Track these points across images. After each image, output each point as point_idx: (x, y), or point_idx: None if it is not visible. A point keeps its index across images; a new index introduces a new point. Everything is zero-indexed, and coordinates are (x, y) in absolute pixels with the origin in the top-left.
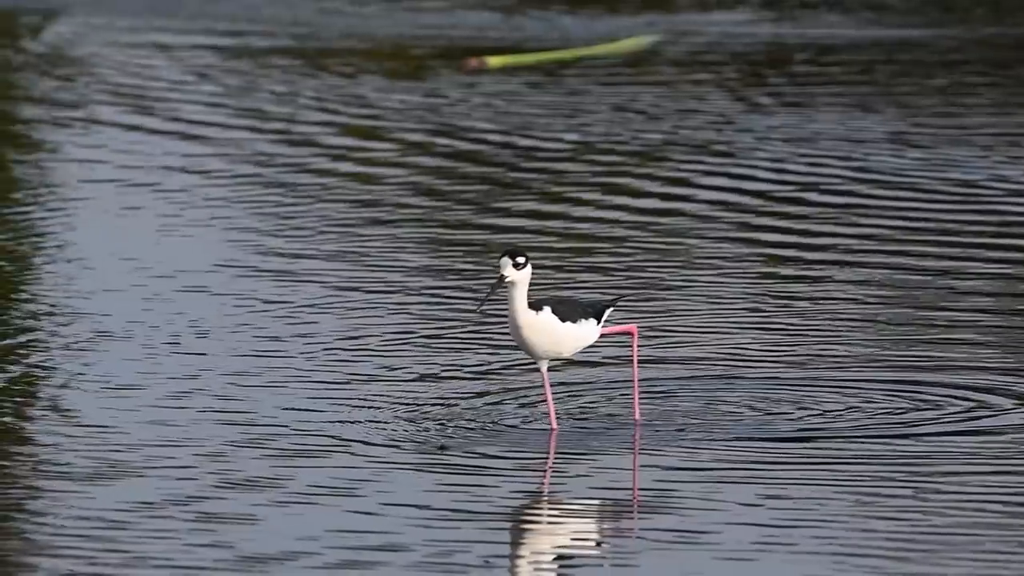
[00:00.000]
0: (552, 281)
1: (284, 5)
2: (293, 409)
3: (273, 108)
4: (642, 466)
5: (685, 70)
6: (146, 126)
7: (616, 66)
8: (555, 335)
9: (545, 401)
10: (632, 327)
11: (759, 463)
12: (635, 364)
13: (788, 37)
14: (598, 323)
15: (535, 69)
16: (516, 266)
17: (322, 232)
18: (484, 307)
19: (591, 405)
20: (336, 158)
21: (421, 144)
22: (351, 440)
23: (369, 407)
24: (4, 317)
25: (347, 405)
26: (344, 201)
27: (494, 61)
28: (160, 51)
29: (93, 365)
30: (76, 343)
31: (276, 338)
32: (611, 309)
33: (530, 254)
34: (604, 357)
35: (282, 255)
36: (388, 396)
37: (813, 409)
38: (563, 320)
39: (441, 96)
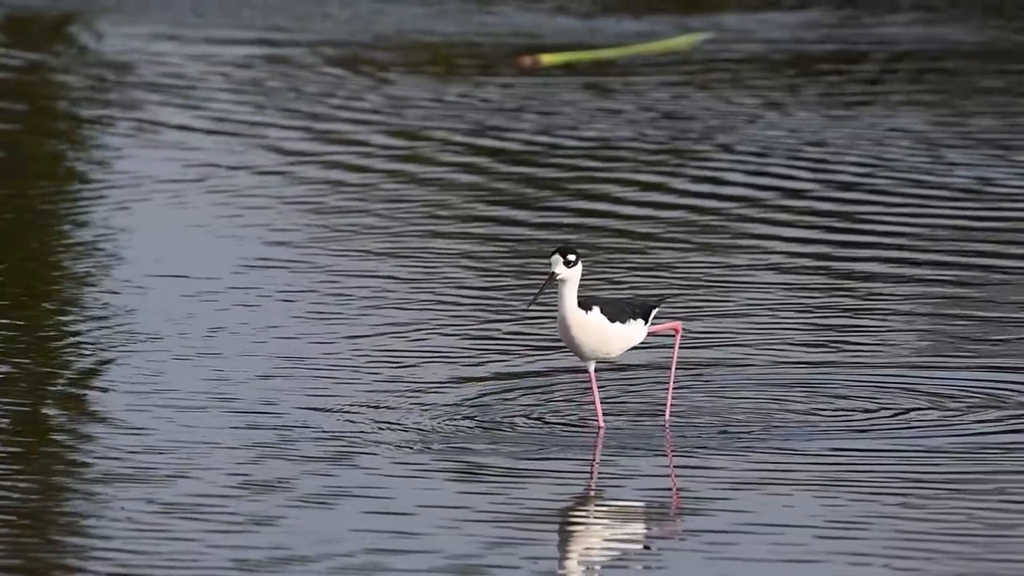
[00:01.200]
0: (597, 280)
1: (323, 6)
2: (330, 411)
3: (312, 108)
4: (683, 467)
5: (733, 70)
6: (190, 126)
7: (661, 65)
8: (604, 335)
9: (592, 401)
10: (677, 324)
11: (805, 466)
12: (674, 363)
13: (841, 38)
14: (645, 323)
15: (582, 71)
16: (567, 264)
17: (363, 232)
18: (533, 304)
19: (637, 404)
20: (379, 157)
21: (464, 144)
22: (384, 441)
23: (406, 408)
24: (46, 315)
25: (383, 406)
26: (387, 201)
27: (547, 59)
28: (200, 51)
29: (132, 360)
30: (113, 344)
31: (314, 337)
32: (657, 309)
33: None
34: (650, 358)
35: (323, 255)
36: (425, 396)
37: (863, 410)
38: (612, 320)
39: (485, 96)
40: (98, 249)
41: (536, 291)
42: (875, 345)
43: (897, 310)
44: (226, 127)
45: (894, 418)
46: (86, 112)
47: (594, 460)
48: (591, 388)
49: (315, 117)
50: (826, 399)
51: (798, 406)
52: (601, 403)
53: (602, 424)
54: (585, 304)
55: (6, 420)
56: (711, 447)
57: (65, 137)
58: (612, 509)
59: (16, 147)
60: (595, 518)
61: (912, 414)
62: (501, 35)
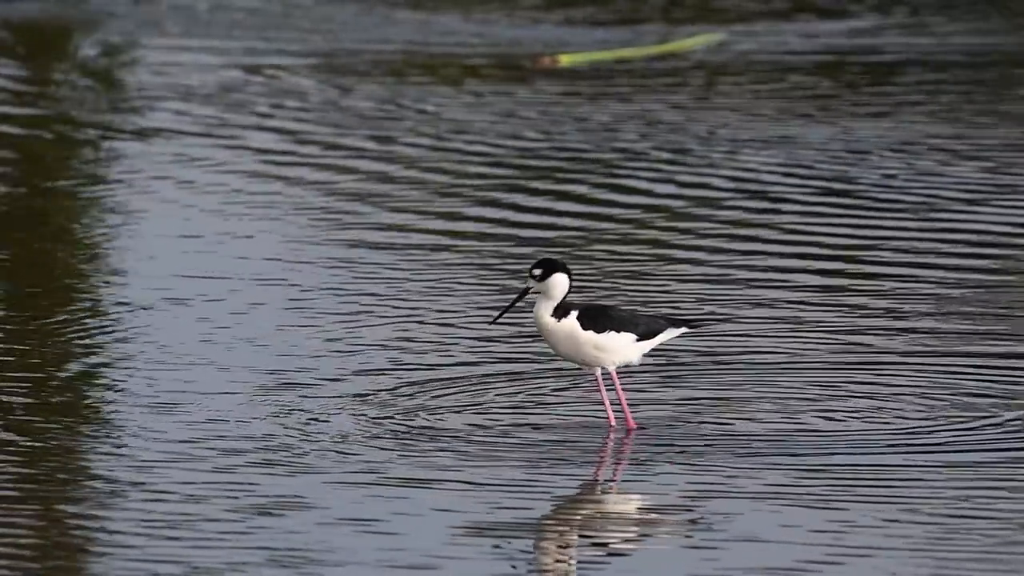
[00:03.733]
0: (624, 289)
1: (354, 16)
2: (364, 416)
3: (340, 116)
4: (697, 475)
5: (750, 76)
6: (222, 133)
7: (668, 73)
8: (574, 342)
9: (614, 406)
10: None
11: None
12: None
13: (865, 47)
14: (639, 339)
15: (607, 77)
16: (534, 277)
17: (396, 234)
18: (499, 319)
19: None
20: (409, 163)
21: (489, 150)
22: (388, 440)
23: (426, 407)
24: (78, 313)
25: (402, 408)
26: (421, 196)
27: (565, 59)
28: (234, 61)
29: (136, 364)
30: (140, 353)
31: (347, 336)
32: (676, 331)
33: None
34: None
35: (353, 258)
36: (449, 393)
37: (889, 423)
38: (585, 328)
39: (513, 102)
40: (105, 249)
41: (506, 305)
42: (908, 356)
43: (925, 321)
44: (252, 132)
45: (927, 432)
46: (96, 116)
47: (614, 465)
48: (614, 389)
49: (338, 125)
50: (855, 416)
51: (830, 418)
52: (628, 404)
53: (616, 423)
54: (566, 309)
55: (18, 413)
56: (724, 458)
57: (77, 141)
58: (612, 513)
59: (31, 150)
60: (596, 520)
61: (945, 427)
62: (516, 45)
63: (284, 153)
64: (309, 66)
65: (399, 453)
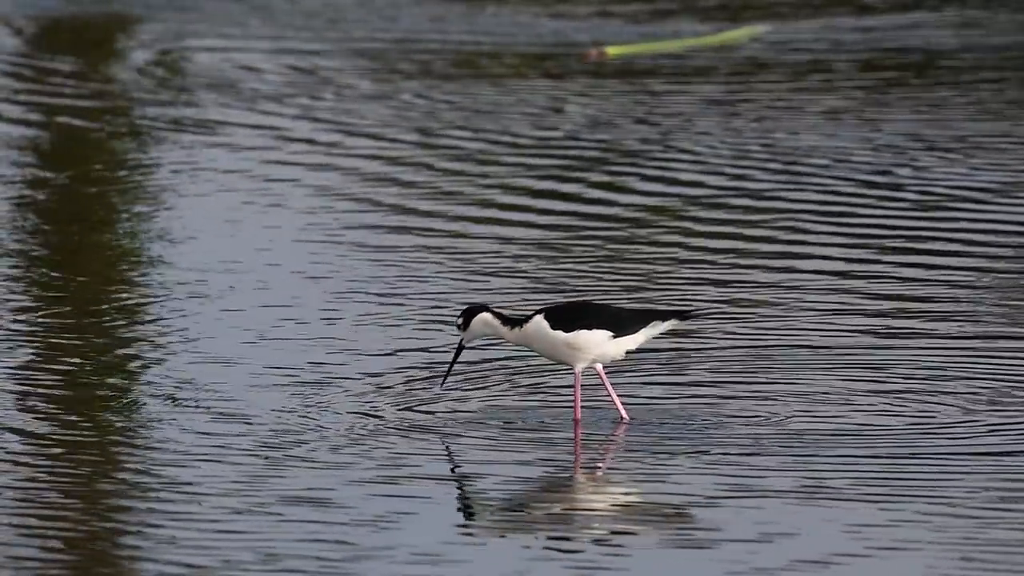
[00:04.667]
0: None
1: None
2: (407, 409)
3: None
4: (710, 473)
5: (790, 70)
6: (267, 124)
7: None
8: (545, 342)
9: (586, 401)
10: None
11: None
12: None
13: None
14: (618, 336)
15: (650, 70)
16: (458, 327)
17: (433, 231)
18: (445, 384)
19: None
20: (450, 158)
21: (528, 144)
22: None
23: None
24: (120, 309)
25: (424, 400)
26: (459, 190)
27: (613, 51)
28: (273, 56)
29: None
30: (182, 358)
31: (387, 327)
32: (664, 324)
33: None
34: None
35: (393, 252)
36: (470, 390)
37: (931, 418)
38: (554, 328)
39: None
40: (148, 240)
41: (447, 367)
42: (930, 350)
43: (957, 322)
44: (285, 124)
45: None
46: (144, 108)
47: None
48: (600, 384)
49: (355, 116)
50: (885, 413)
51: (855, 418)
52: (620, 399)
53: (578, 417)
54: (530, 316)
55: (62, 412)
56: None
57: (123, 133)
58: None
59: (77, 142)
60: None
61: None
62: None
63: (329, 145)
64: (355, 60)
65: (423, 445)
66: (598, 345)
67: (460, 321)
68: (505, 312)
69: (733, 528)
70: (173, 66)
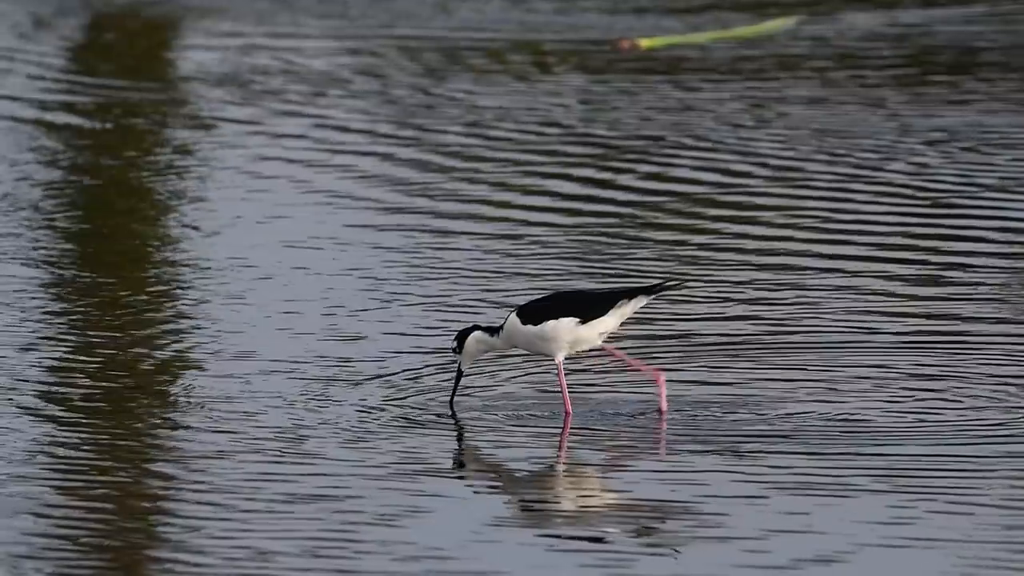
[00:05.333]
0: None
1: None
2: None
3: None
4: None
5: (826, 61)
6: (303, 115)
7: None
8: (522, 338)
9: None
10: (659, 376)
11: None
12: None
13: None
14: (585, 321)
15: (682, 62)
16: (454, 352)
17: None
18: (453, 405)
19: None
20: (492, 148)
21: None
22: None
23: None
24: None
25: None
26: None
27: (645, 43)
28: (313, 45)
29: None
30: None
31: (417, 330)
32: (632, 302)
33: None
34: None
35: (428, 251)
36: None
37: (962, 414)
38: (524, 324)
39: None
40: (179, 233)
41: (451, 395)
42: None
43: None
44: (320, 123)
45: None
46: (176, 105)
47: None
48: (560, 379)
49: (405, 114)
50: (901, 409)
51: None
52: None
53: (569, 410)
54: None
55: (100, 402)
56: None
57: (158, 126)
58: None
59: (111, 135)
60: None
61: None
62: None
63: (358, 132)
64: (390, 51)
65: (432, 440)
66: (568, 332)
67: (455, 345)
68: (492, 325)
69: (751, 522)
70: (209, 62)
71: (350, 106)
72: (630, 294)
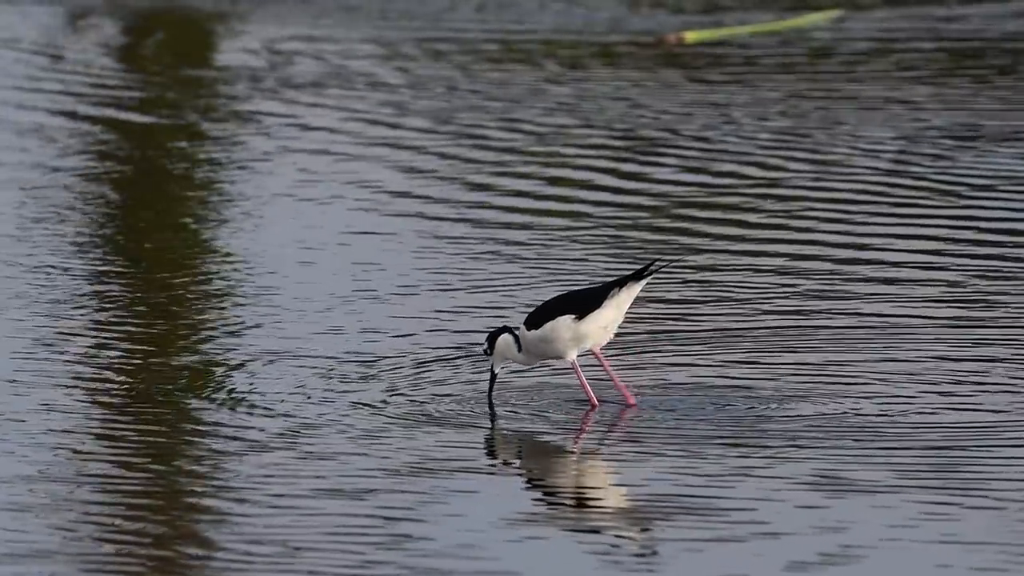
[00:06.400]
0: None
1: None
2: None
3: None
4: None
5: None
6: (347, 114)
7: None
8: (533, 345)
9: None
10: (631, 401)
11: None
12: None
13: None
14: (582, 316)
15: (724, 57)
16: (486, 353)
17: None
18: (493, 411)
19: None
20: (532, 141)
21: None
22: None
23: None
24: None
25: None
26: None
27: (691, 36)
28: (345, 47)
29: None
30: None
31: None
32: (624, 290)
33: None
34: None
35: (463, 250)
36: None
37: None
38: (529, 329)
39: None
40: (221, 234)
41: (488, 397)
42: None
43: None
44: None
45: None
46: (214, 102)
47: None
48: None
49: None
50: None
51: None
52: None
53: (595, 403)
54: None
55: (140, 405)
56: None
57: (199, 127)
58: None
59: (154, 136)
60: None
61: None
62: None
63: (400, 129)
64: (429, 49)
65: (451, 436)
66: (567, 329)
67: (485, 347)
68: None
69: (781, 520)
70: (252, 60)
71: (385, 100)
72: (621, 283)
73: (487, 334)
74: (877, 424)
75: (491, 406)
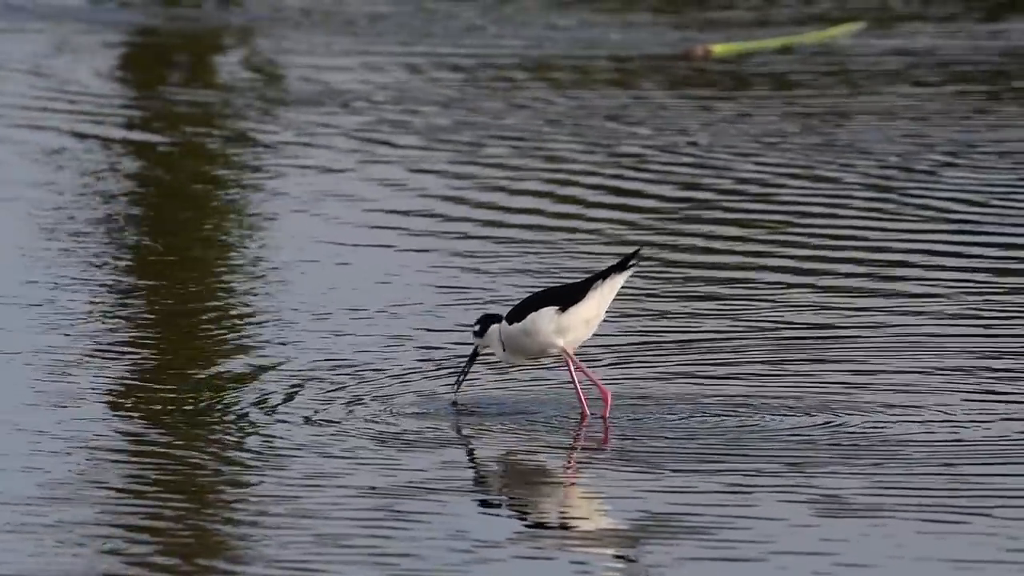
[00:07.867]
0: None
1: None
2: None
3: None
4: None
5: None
6: (370, 132)
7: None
8: (515, 341)
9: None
10: (606, 393)
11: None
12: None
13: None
14: (565, 308)
15: (747, 70)
16: (476, 334)
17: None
18: (459, 389)
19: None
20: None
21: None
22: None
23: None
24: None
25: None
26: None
27: (718, 49)
28: (383, 63)
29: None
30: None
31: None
32: (607, 281)
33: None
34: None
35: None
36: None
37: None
38: (511, 323)
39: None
40: (247, 250)
41: (460, 373)
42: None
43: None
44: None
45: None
46: (236, 119)
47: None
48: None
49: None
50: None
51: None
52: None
53: (605, 391)
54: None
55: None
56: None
57: (223, 144)
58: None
59: (178, 154)
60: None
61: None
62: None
63: (424, 149)
64: (456, 69)
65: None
66: (550, 321)
67: (476, 328)
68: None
69: (776, 539)
70: (269, 78)
71: (407, 118)
72: (604, 275)
73: (482, 314)
74: (872, 441)
75: (461, 377)
